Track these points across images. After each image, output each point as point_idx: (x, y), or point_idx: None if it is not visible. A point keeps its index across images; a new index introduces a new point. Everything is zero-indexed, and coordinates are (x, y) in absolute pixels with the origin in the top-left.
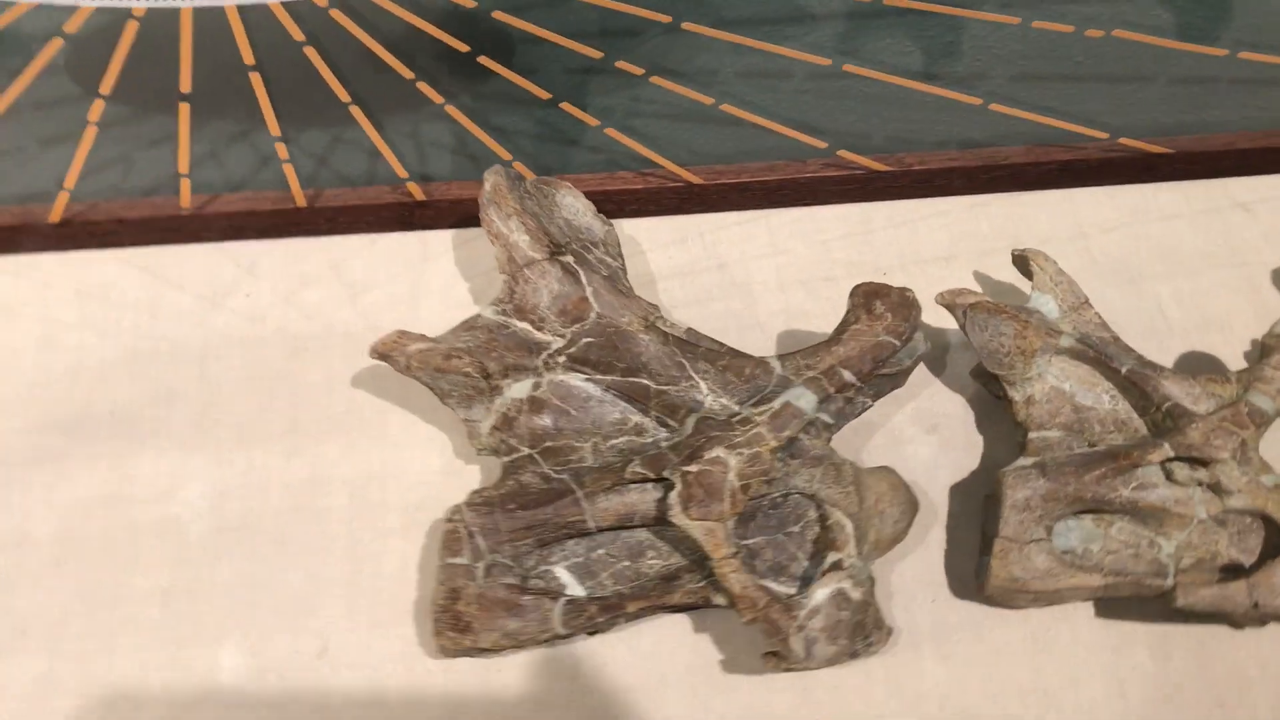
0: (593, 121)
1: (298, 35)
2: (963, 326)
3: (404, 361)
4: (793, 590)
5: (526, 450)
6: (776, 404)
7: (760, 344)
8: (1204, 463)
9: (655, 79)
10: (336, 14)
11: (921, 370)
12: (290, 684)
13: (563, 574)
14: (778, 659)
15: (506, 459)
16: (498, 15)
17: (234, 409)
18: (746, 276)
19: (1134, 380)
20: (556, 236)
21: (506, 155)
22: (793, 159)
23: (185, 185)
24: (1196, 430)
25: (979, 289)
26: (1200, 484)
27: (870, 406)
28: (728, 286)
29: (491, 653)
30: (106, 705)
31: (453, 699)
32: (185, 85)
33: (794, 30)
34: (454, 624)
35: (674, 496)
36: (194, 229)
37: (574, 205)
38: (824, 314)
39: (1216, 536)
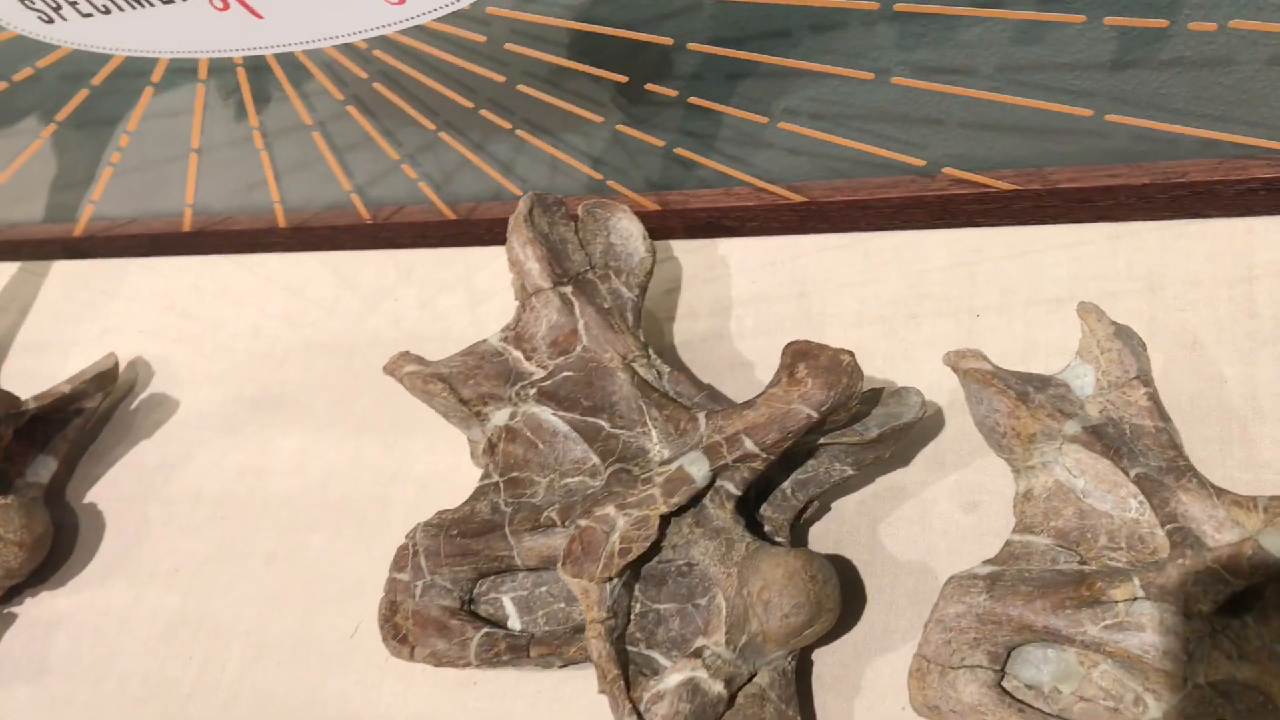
0: (657, 143)
1: (362, 74)
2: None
3: (400, 380)
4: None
5: (496, 478)
6: (673, 466)
7: None
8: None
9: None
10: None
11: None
12: (320, 655)
13: (507, 604)
14: None
15: (481, 482)
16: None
17: (361, 400)
18: (824, 308)
19: (1143, 488)
20: (572, 266)
21: (597, 175)
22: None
23: (356, 200)
24: (1176, 568)
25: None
26: (1202, 637)
27: (850, 474)
28: (801, 318)
29: (425, 664)
30: (210, 642)
31: (434, 701)
32: (306, 119)
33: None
34: (394, 633)
35: (564, 546)
36: (378, 236)
37: (628, 228)
38: (894, 357)
39: (1219, 709)
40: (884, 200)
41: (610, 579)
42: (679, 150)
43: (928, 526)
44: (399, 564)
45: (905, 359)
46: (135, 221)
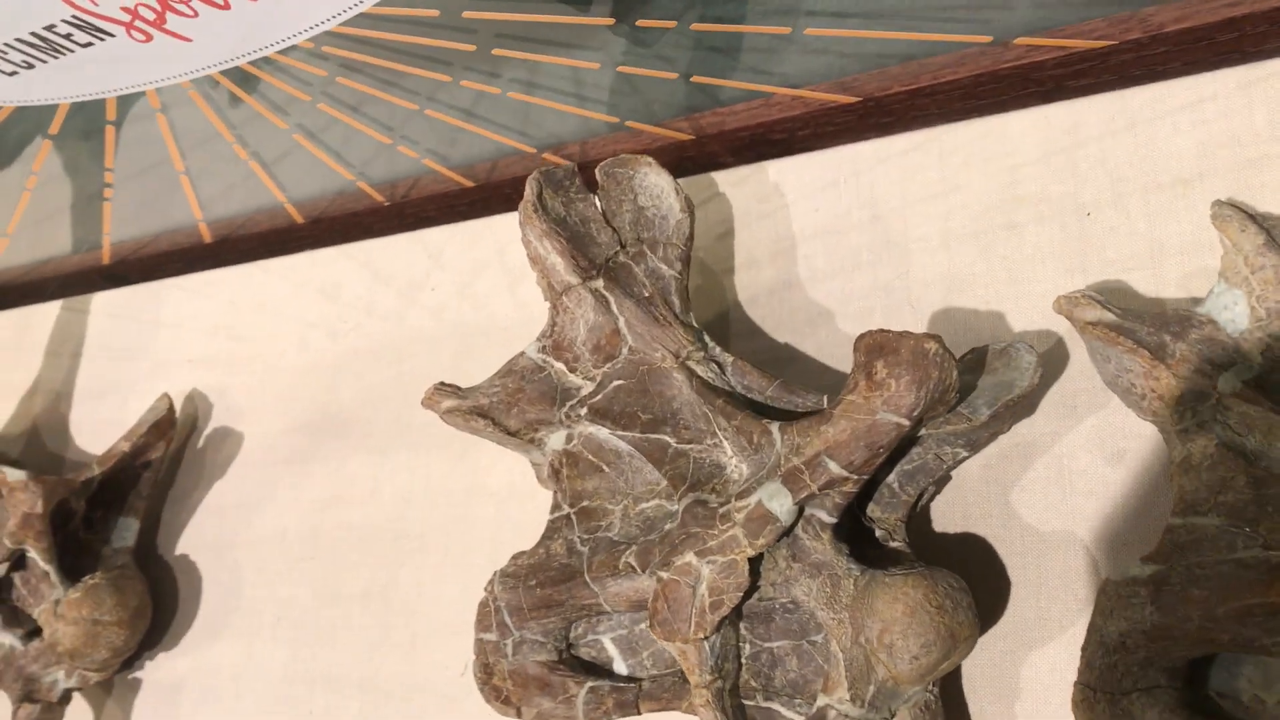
0: (670, 76)
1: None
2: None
3: (441, 418)
4: (804, 717)
5: (566, 509)
6: (752, 501)
7: (910, 329)
8: None
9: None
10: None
11: None
12: (435, 698)
13: (609, 645)
14: None
15: (551, 516)
16: None
17: (418, 412)
18: (904, 230)
19: None
20: (599, 251)
21: (612, 118)
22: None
23: (365, 186)
24: None
25: (1234, 229)
26: None
27: (965, 456)
28: (879, 248)
29: None
30: (326, 696)
31: None
32: (281, 124)
33: None
34: (496, 695)
35: (650, 604)
36: (401, 216)
37: (656, 185)
38: (995, 282)
39: None
40: (951, 83)
41: (707, 637)
42: (697, 79)
43: (1069, 487)
44: (483, 623)
45: (1010, 282)
46: (160, 237)
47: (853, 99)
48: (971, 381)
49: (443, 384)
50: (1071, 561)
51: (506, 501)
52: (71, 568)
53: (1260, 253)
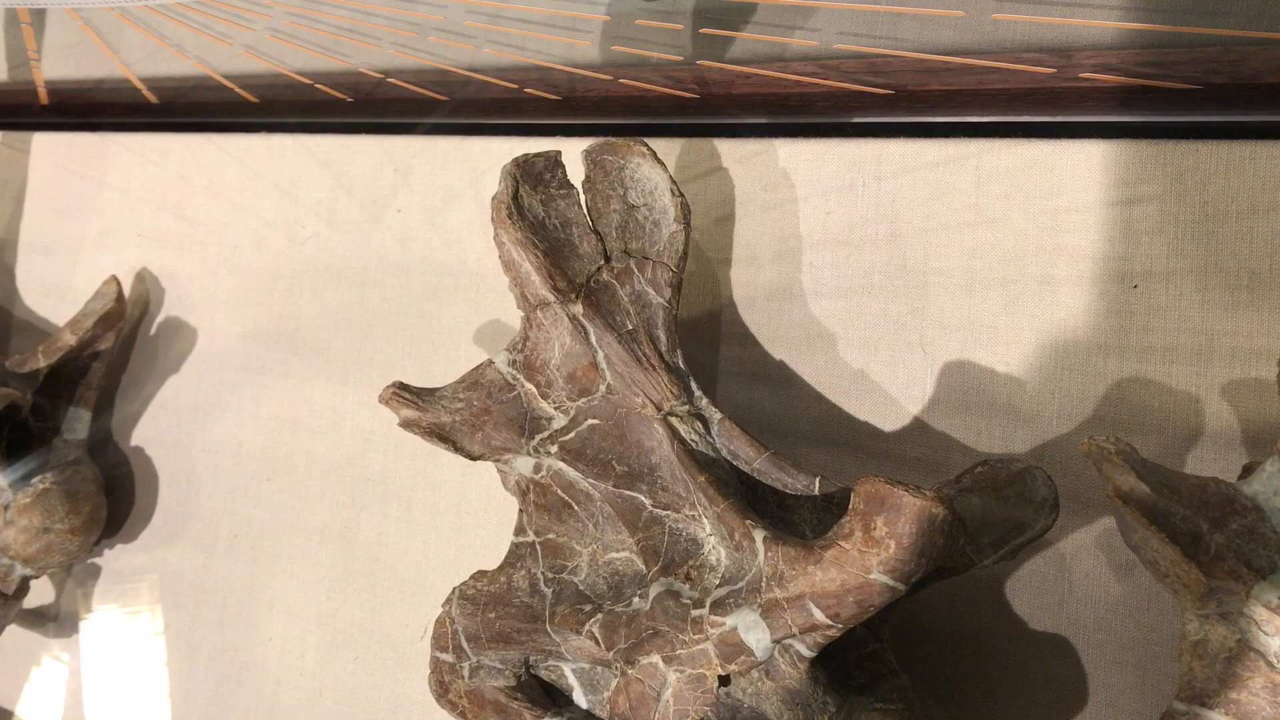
0: (675, 28)
1: None
2: None
3: (399, 424)
4: None
5: (532, 536)
6: (728, 623)
7: (918, 375)
8: None
9: None
10: None
11: None
12: (393, 654)
13: (570, 675)
14: None
15: (515, 539)
16: None
17: (382, 345)
18: (924, 260)
19: None
20: (581, 266)
21: (604, 76)
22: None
23: (326, 88)
24: None
25: None
26: None
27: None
28: (894, 273)
29: None
30: (286, 624)
31: None
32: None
33: None
34: (453, 709)
35: (609, 695)
36: (364, 111)
37: (650, 180)
38: (1019, 342)
39: None
40: (999, 91)
41: None
42: (706, 30)
43: (1069, 590)
44: (439, 642)
45: (1035, 346)
46: (103, 84)
47: (882, 90)
48: (980, 507)
49: (401, 387)
50: (1061, 671)
51: (471, 469)
52: (23, 457)
53: None
